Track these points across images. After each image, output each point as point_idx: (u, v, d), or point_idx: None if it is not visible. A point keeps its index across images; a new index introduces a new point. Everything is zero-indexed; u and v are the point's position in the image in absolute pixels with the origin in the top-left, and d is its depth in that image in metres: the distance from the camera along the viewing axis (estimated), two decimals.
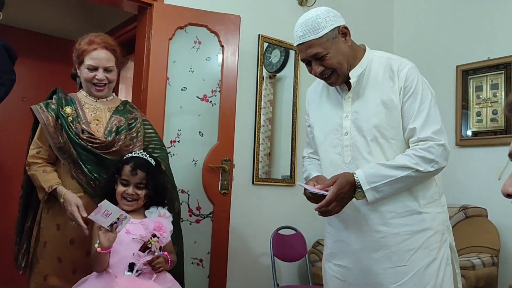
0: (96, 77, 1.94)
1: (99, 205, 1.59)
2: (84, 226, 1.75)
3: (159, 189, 1.85)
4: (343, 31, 1.55)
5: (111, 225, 1.59)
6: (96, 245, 1.61)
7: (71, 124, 1.88)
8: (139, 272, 1.68)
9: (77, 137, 1.86)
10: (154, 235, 1.72)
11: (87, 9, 4.11)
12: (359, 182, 1.46)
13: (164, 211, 1.83)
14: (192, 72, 2.91)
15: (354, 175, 1.47)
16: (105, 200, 1.61)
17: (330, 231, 1.69)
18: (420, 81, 1.53)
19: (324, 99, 1.69)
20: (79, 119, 1.91)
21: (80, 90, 2.06)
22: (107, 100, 2.03)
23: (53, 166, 1.91)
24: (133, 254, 1.69)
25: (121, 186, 1.78)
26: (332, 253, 1.68)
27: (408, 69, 1.53)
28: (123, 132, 1.95)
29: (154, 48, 2.82)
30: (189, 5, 2.92)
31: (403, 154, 1.50)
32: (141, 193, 1.79)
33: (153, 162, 1.87)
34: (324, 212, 1.47)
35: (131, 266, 1.68)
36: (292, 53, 3.54)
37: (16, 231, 2.02)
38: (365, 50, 1.62)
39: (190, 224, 2.85)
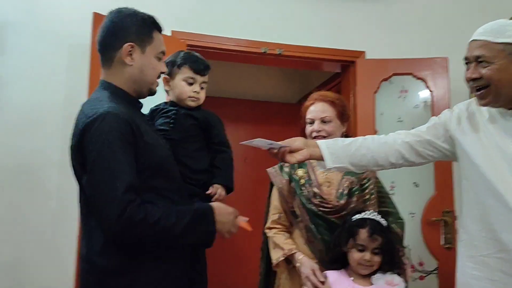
0: (313, 129, 1.93)
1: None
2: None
3: (393, 254, 1.69)
4: None
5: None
6: None
7: (303, 188, 1.86)
8: None
9: (308, 201, 1.83)
10: None
11: (290, 75, 4.49)
12: None
13: (391, 277, 1.66)
14: (401, 122, 2.85)
15: None
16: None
17: None
18: None
19: (486, 124, 1.44)
20: (310, 182, 1.87)
21: None
22: None
23: (289, 233, 1.91)
24: None
25: (357, 252, 1.65)
26: None
27: None
28: (355, 194, 1.86)
29: (360, 103, 2.88)
30: (391, 56, 2.91)
31: None
32: (378, 259, 1.65)
33: (385, 223, 1.71)
34: None
35: None
36: None
37: None
38: None
39: (413, 280, 2.71)
